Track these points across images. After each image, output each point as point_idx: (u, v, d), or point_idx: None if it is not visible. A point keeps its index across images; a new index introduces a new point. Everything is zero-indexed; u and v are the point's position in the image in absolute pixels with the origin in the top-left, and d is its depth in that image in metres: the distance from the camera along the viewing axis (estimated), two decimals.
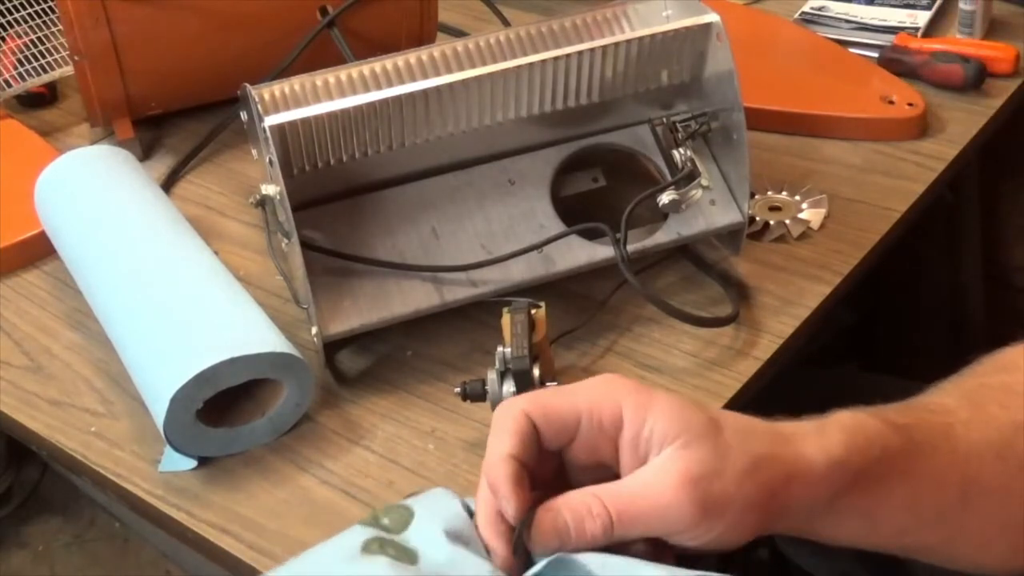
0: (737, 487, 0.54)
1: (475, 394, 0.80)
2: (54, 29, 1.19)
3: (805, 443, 0.57)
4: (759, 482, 0.55)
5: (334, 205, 0.88)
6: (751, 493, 0.54)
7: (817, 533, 0.59)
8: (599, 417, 0.55)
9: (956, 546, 0.64)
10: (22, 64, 1.18)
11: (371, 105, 0.84)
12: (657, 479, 0.54)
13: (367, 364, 0.88)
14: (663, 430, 0.54)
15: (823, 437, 0.57)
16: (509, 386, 0.78)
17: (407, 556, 0.54)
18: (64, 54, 1.17)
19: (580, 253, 0.89)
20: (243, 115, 0.88)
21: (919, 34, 1.20)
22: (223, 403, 0.79)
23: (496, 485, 0.54)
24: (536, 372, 0.77)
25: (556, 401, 0.56)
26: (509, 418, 0.56)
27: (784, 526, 0.58)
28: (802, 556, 1.04)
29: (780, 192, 1.01)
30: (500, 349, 0.78)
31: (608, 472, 0.57)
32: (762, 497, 0.55)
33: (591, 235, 0.88)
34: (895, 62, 1.16)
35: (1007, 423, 0.62)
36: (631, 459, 0.55)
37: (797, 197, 1.00)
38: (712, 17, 0.88)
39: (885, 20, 1.23)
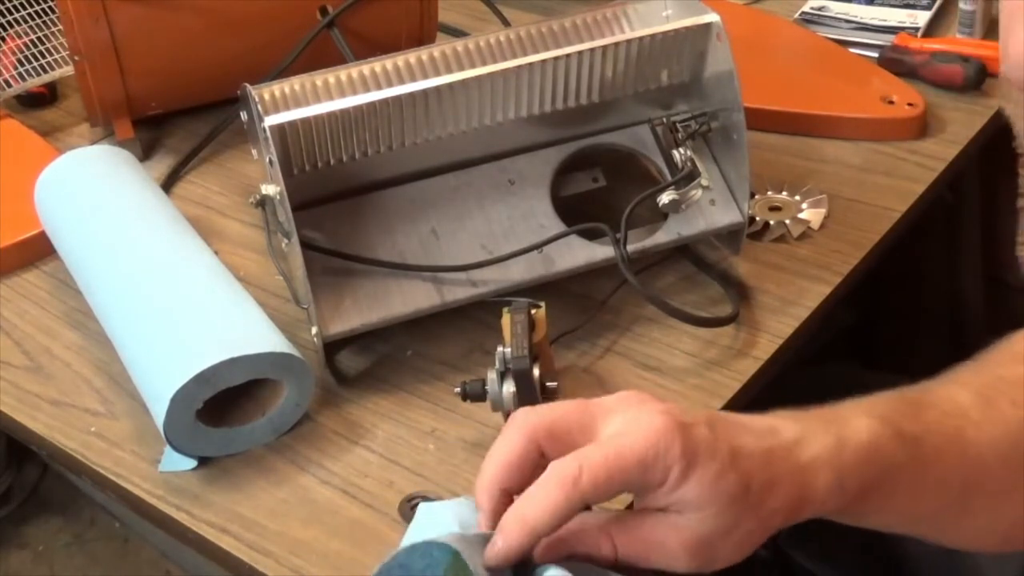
0: (738, 548, 0.56)
1: (475, 394, 0.80)
2: (54, 29, 1.19)
3: (821, 475, 0.57)
4: (763, 532, 0.57)
5: (334, 205, 0.88)
6: (750, 544, 0.57)
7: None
8: (650, 482, 0.55)
9: (947, 537, 0.66)
10: (22, 64, 1.18)
11: (371, 105, 0.84)
12: (669, 540, 0.56)
13: (367, 364, 0.88)
14: (692, 499, 0.55)
15: (837, 463, 0.58)
16: (509, 386, 0.78)
17: None
18: (64, 54, 1.17)
19: (580, 253, 0.89)
20: (243, 115, 0.88)
21: (919, 34, 1.20)
22: (223, 403, 0.79)
23: (524, 546, 0.55)
24: (536, 372, 0.77)
25: (614, 475, 0.54)
26: (565, 497, 0.54)
27: None
28: (806, 558, 1.04)
29: (780, 192, 1.01)
30: (500, 349, 0.78)
31: None
32: (760, 540, 0.57)
33: (591, 235, 0.88)
34: (895, 62, 1.16)
35: (1016, 421, 0.62)
36: (653, 503, 0.56)
37: (797, 197, 1.00)
38: (712, 17, 0.88)
39: (885, 20, 1.23)
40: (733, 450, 0.56)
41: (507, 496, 0.57)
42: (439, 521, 0.59)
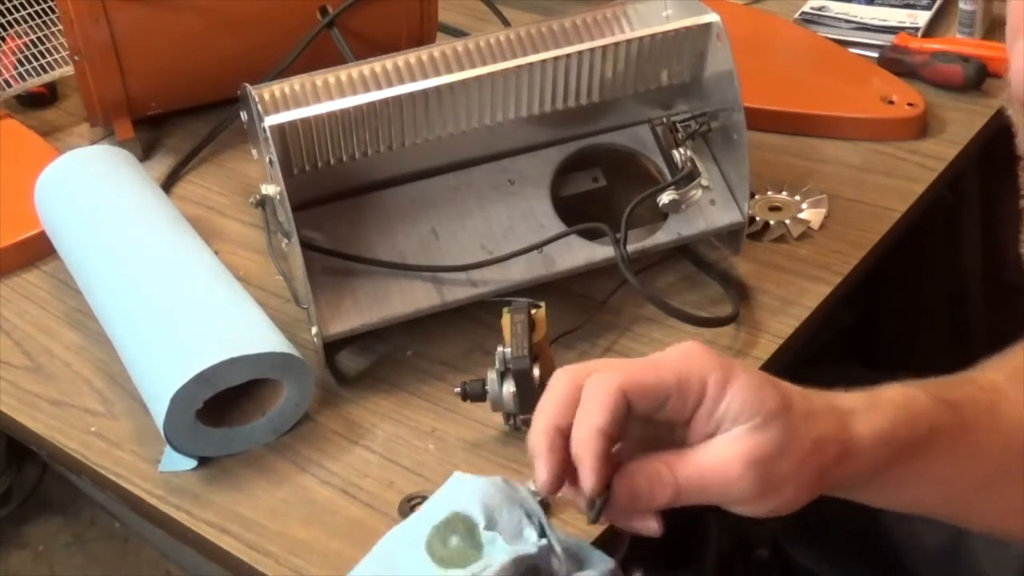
0: (796, 469, 0.57)
1: (475, 394, 0.80)
2: (54, 29, 1.19)
3: (860, 421, 0.59)
4: (816, 463, 0.58)
5: (334, 205, 0.88)
6: (807, 472, 0.57)
7: (860, 498, 0.62)
8: (687, 391, 0.57)
9: (985, 519, 0.67)
10: (22, 64, 1.18)
11: (371, 105, 0.84)
12: (725, 457, 0.56)
13: (367, 364, 0.88)
14: (738, 409, 0.56)
15: (875, 414, 0.59)
16: (509, 386, 0.78)
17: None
18: (64, 54, 1.17)
19: (580, 253, 0.89)
20: (243, 115, 0.88)
21: (919, 34, 1.20)
22: (223, 403, 0.79)
23: (582, 457, 0.56)
24: (536, 372, 0.77)
25: (650, 378, 0.57)
26: (604, 392, 0.56)
27: (830, 492, 0.60)
28: (806, 558, 1.04)
29: (780, 192, 1.01)
30: (500, 349, 0.78)
31: (665, 428, 0.59)
32: (816, 474, 0.58)
33: (591, 235, 0.88)
34: (895, 62, 1.16)
35: None
36: (702, 428, 0.57)
37: (797, 197, 1.00)
38: (712, 17, 0.88)
39: (885, 20, 1.23)
40: (769, 377, 0.58)
41: (562, 436, 0.57)
42: (461, 495, 0.59)
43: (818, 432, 0.58)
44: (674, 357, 0.58)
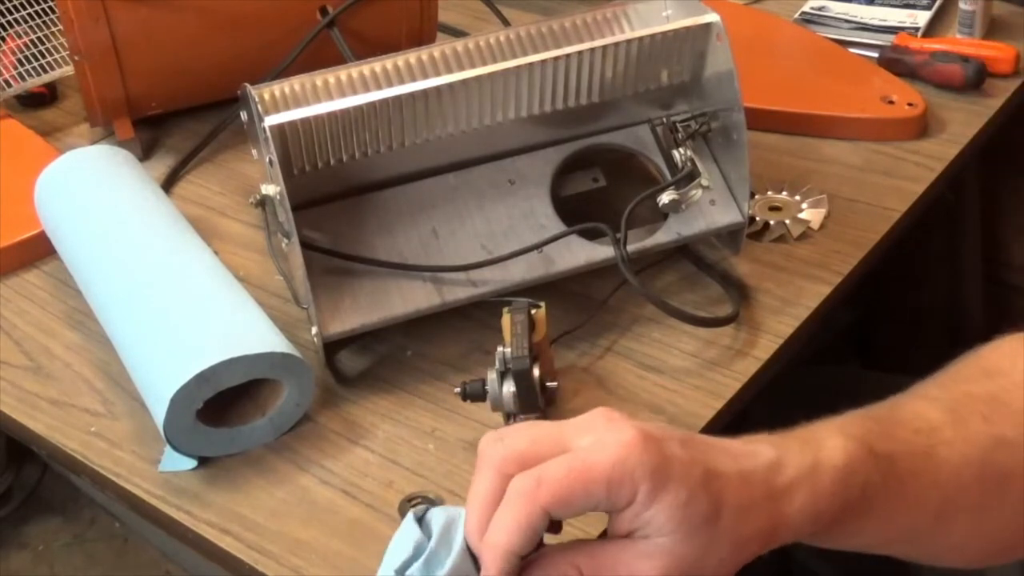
0: (715, 571, 0.55)
1: (475, 394, 0.80)
2: (54, 29, 1.19)
3: (795, 500, 0.57)
4: (738, 561, 0.55)
5: (334, 205, 0.88)
6: (726, 568, 0.55)
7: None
8: (616, 500, 0.54)
9: (923, 555, 0.65)
10: (22, 64, 1.18)
11: (371, 105, 0.84)
12: (641, 569, 0.54)
13: (367, 364, 0.88)
14: (661, 522, 0.53)
15: (812, 488, 0.57)
16: (509, 386, 0.78)
17: None
18: (64, 54, 1.17)
19: (580, 253, 0.89)
20: (243, 115, 0.88)
21: (919, 34, 1.20)
22: (223, 403, 0.79)
23: (490, 570, 0.53)
24: (536, 372, 0.77)
25: (577, 493, 0.53)
26: (525, 512, 0.53)
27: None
28: (806, 556, 1.04)
29: (780, 192, 1.01)
30: (500, 349, 0.78)
31: None
32: (734, 571, 0.56)
33: (591, 235, 0.88)
34: (895, 62, 1.16)
35: (989, 438, 0.62)
36: (625, 525, 0.55)
37: (797, 197, 1.00)
38: (712, 17, 0.88)
39: (885, 20, 1.23)
40: (707, 472, 0.55)
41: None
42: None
43: (748, 532, 0.55)
44: (606, 459, 0.53)
